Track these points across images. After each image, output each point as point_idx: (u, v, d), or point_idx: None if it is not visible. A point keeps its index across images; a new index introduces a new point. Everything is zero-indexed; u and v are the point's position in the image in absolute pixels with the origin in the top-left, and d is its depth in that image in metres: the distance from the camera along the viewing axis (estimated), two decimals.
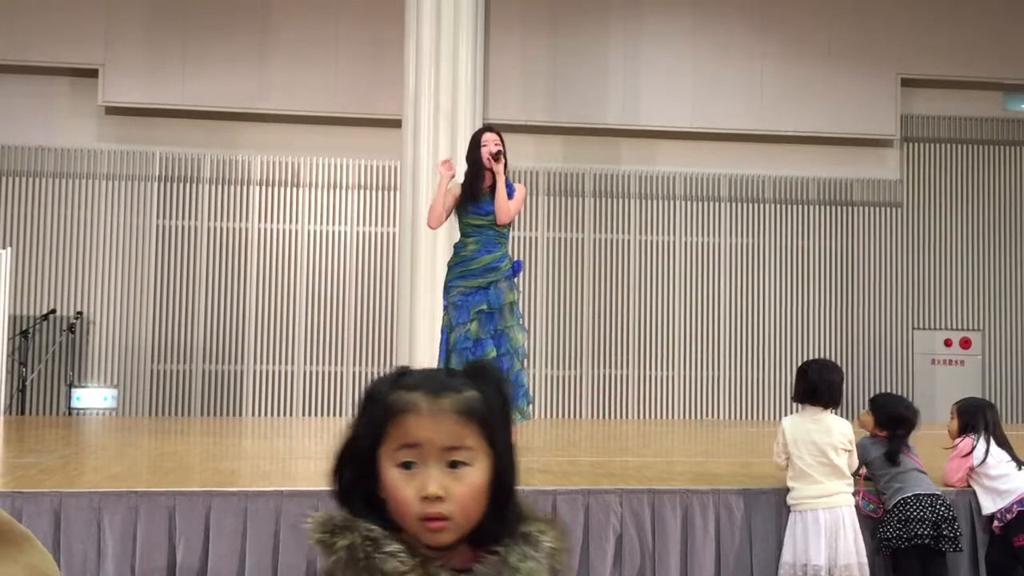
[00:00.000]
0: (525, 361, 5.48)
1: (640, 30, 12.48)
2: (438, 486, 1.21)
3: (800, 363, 4.34)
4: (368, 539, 1.21)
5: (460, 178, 5.60)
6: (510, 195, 5.33)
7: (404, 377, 1.31)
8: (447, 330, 5.36)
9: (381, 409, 1.28)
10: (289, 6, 12.00)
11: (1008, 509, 4.10)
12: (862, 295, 12.83)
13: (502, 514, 1.26)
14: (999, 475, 4.18)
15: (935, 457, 4.47)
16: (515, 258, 5.51)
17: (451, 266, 5.44)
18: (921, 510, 3.94)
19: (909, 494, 3.99)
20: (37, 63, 11.68)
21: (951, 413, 4.48)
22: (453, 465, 1.23)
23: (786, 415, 4.34)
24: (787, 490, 4.10)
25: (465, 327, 5.24)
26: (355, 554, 1.21)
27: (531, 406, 5.52)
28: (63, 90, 11.92)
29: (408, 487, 1.22)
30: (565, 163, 12.50)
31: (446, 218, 5.43)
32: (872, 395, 4.69)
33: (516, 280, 5.44)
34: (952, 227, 13.06)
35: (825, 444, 3.97)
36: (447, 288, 5.40)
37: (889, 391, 11.67)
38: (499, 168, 5.26)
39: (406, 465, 1.23)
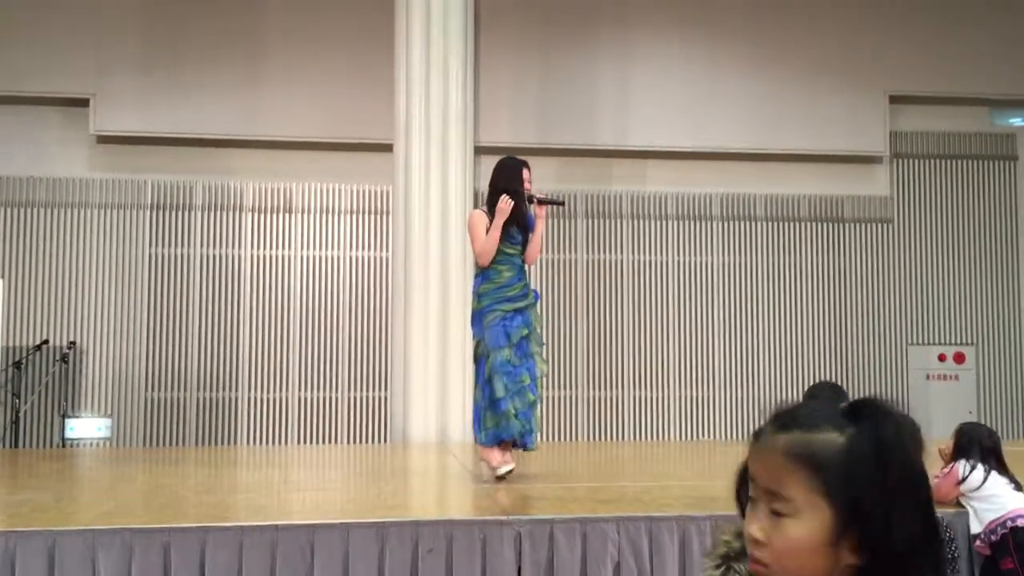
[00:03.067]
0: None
1: (630, 51, 12.55)
2: (757, 529, 1.12)
3: (808, 387, 4.27)
4: None
5: (466, 204, 5.64)
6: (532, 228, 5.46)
7: (785, 406, 1.22)
8: (484, 358, 5.26)
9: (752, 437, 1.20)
10: (279, 33, 12.05)
11: (992, 531, 4.10)
12: (855, 311, 12.85)
13: None
14: (990, 495, 4.18)
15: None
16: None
17: (483, 293, 5.34)
18: None
19: None
20: (28, 93, 11.70)
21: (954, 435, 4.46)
22: (775, 512, 1.12)
23: None
24: None
25: (502, 352, 5.19)
26: None
27: (535, 435, 5.44)
28: (54, 120, 11.93)
29: (746, 522, 1.16)
30: (557, 184, 12.51)
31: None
32: None
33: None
34: (943, 242, 13.11)
35: None
36: (482, 314, 5.30)
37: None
38: (542, 211, 5.37)
39: (751, 499, 1.16)
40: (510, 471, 5.26)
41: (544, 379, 11.96)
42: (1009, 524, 4.06)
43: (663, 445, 10.81)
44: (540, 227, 5.41)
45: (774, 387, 12.54)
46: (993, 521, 4.10)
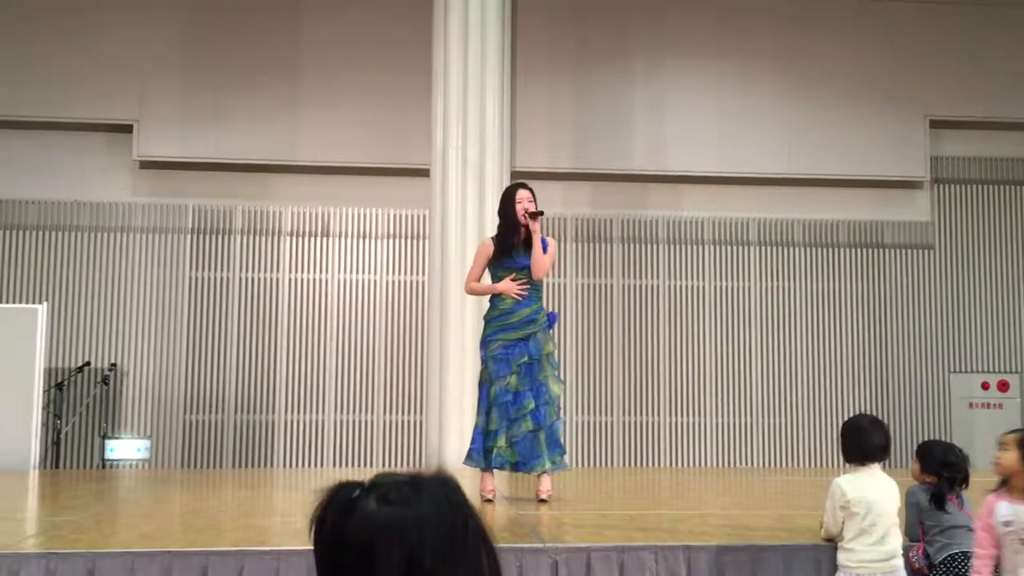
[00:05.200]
0: (559, 411, 5.55)
1: (665, 75, 12.56)
2: None
3: (846, 419, 4.12)
4: None
5: (492, 232, 5.71)
6: (544, 250, 5.41)
7: None
8: (487, 384, 5.44)
9: None
10: (319, 60, 12.21)
11: None
12: (896, 338, 12.67)
13: None
14: None
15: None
16: (549, 309, 5.60)
17: (489, 320, 5.51)
18: (970, 567, 3.82)
19: (957, 551, 3.87)
20: (73, 119, 11.94)
21: (1005, 445, 4.14)
22: None
23: (819, 464, 4.26)
24: (824, 547, 4.01)
25: (505, 380, 5.33)
26: None
27: (565, 456, 5.57)
28: (98, 145, 12.16)
29: None
30: (592, 209, 12.53)
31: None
32: (919, 442, 4.52)
33: (551, 331, 5.52)
34: (986, 268, 12.92)
35: (889, 503, 3.85)
36: (486, 342, 5.48)
37: (930, 437, 11.51)
38: (535, 226, 5.37)
39: None
40: (490, 500, 5.48)
41: (579, 404, 11.92)
42: None
43: (699, 472, 10.70)
44: (536, 241, 5.41)
45: (812, 415, 12.38)
46: None
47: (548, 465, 5.37)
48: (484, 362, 5.48)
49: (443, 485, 1.19)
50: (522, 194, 5.50)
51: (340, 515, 1.16)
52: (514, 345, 5.35)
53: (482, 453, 5.39)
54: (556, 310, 12.15)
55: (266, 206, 12.23)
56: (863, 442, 3.90)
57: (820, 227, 12.78)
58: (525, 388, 5.31)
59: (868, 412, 12.30)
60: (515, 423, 5.29)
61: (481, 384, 5.51)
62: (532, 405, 5.31)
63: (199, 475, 9.13)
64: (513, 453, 5.31)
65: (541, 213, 5.43)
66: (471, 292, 5.70)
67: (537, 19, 12.27)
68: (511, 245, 5.45)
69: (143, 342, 11.91)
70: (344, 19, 12.27)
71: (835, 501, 3.89)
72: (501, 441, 5.29)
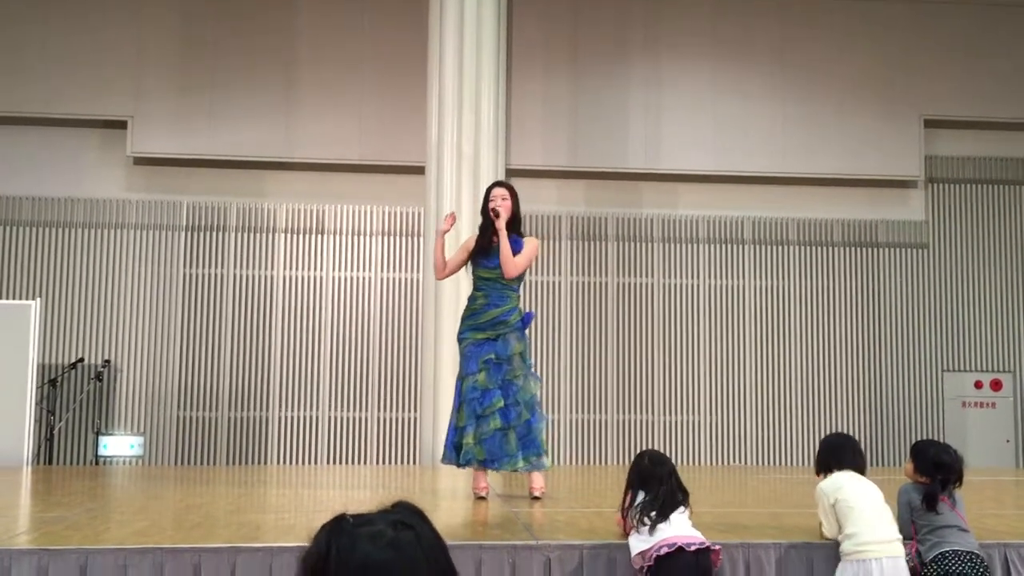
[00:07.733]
0: (539, 408, 5.50)
1: (661, 75, 12.57)
2: None
3: (824, 436, 4.35)
4: None
5: (476, 231, 5.70)
6: (517, 250, 5.36)
7: None
8: (460, 380, 5.46)
9: None
10: (314, 57, 12.19)
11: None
12: (890, 337, 12.70)
13: None
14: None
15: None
16: (527, 309, 5.61)
17: (463, 318, 5.54)
18: (960, 566, 3.84)
19: (947, 549, 3.89)
20: (67, 115, 11.92)
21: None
22: None
23: (812, 462, 4.31)
24: (818, 546, 4.03)
25: (474, 377, 5.33)
26: None
27: (547, 456, 5.51)
28: (92, 142, 12.14)
29: None
30: (587, 207, 12.54)
31: (449, 271, 5.56)
32: (912, 441, 4.59)
33: (527, 331, 5.52)
34: (979, 267, 12.95)
35: (874, 493, 3.93)
36: (459, 339, 5.52)
37: (924, 435, 11.55)
38: (499, 224, 5.32)
39: None
40: (483, 498, 5.46)
41: (573, 402, 11.88)
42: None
43: (693, 470, 10.71)
44: (501, 239, 5.35)
45: (805, 413, 12.40)
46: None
47: (521, 464, 5.32)
48: (460, 358, 5.51)
49: (422, 515, 1.31)
50: (495, 192, 5.48)
51: (346, 542, 1.24)
52: (482, 344, 5.35)
53: (453, 449, 5.38)
54: (549, 307, 12.17)
55: (261, 203, 12.21)
56: (842, 456, 4.04)
57: (814, 226, 12.80)
58: (494, 386, 5.29)
59: (861, 410, 12.34)
60: (483, 420, 5.27)
61: (457, 379, 5.53)
62: (500, 403, 5.27)
63: (192, 472, 9.12)
64: (481, 450, 5.27)
65: (498, 215, 5.34)
66: (435, 268, 5.61)
67: (533, 17, 12.27)
68: (487, 244, 5.44)
69: (137, 338, 11.89)
70: (339, 16, 12.26)
71: (824, 504, 3.99)
72: (469, 438, 5.27)
